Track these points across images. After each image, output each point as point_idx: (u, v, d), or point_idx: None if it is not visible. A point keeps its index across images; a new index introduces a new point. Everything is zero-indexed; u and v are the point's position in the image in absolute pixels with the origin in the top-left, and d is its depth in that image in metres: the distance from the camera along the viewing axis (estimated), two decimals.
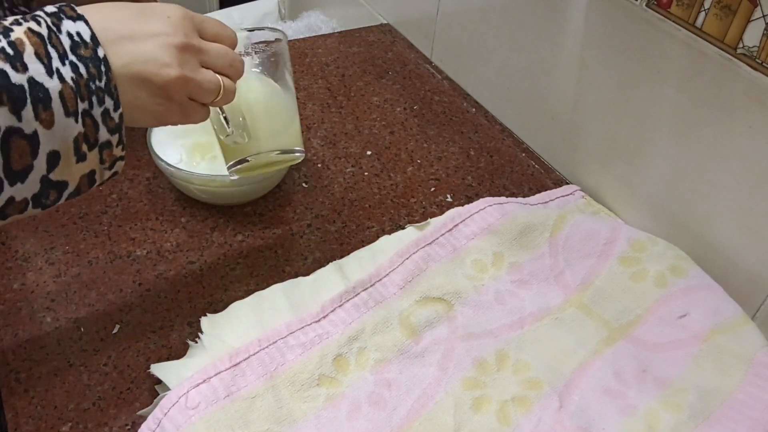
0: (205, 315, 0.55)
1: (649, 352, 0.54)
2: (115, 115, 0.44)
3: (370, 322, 0.54)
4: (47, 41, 0.41)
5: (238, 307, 0.56)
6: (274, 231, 0.66)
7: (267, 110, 0.57)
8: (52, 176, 0.42)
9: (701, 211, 0.62)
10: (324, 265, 0.60)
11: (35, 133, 0.40)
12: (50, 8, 0.42)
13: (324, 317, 0.54)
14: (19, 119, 0.39)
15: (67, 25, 0.42)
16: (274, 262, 0.63)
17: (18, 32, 0.40)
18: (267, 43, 0.56)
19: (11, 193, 0.41)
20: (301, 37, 1.03)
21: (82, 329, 0.55)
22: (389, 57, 0.96)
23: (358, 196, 0.71)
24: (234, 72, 0.50)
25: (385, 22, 1.06)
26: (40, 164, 0.41)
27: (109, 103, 0.43)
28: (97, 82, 0.42)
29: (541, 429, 0.49)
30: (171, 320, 0.57)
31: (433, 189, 0.73)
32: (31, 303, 0.57)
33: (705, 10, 0.55)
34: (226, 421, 0.47)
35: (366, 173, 0.75)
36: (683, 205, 0.63)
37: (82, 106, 0.42)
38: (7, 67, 0.38)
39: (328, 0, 1.21)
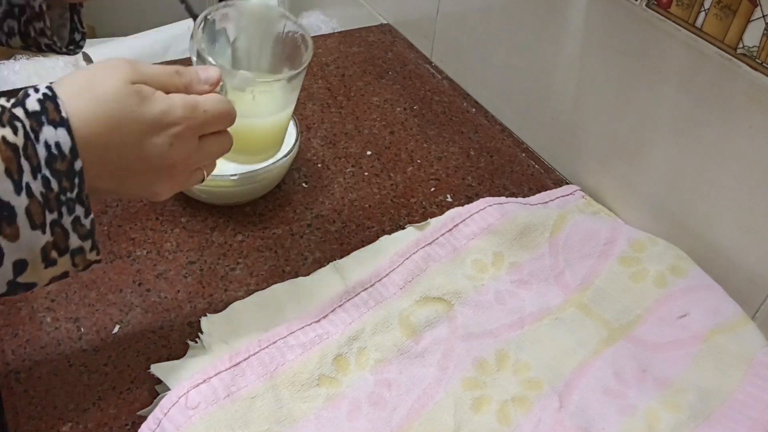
0: (205, 315, 0.55)
1: (649, 352, 0.54)
2: (86, 222, 0.42)
3: (370, 322, 0.54)
4: (21, 154, 0.38)
5: (238, 307, 0.56)
6: (274, 231, 0.66)
7: (251, 138, 0.55)
8: (20, 279, 0.41)
9: (701, 211, 0.62)
10: (324, 265, 0.60)
11: None
12: (34, 104, 0.39)
13: (324, 317, 0.54)
14: None
15: (47, 134, 0.39)
16: (274, 262, 0.63)
17: None
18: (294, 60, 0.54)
19: None
20: None
21: (82, 329, 0.55)
22: (389, 57, 0.96)
23: (358, 196, 0.71)
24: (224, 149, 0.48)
25: (385, 22, 1.06)
26: (5, 271, 0.39)
27: (80, 210, 0.41)
28: (68, 194, 0.40)
29: (541, 429, 0.49)
30: (171, 320, 0.57)
31: (433, 189, 0.73)
32: (31, 303, 0.57)
33: (705, 10, 0.55)
34: (226, 421, 0.47)
35: (366, 173, 0.75)
36: (683, 205, 0.63)
37: (50, 217, 0.40)
38: None
39: (328, 0, 1.21)
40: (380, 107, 0.86)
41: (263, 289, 0.58)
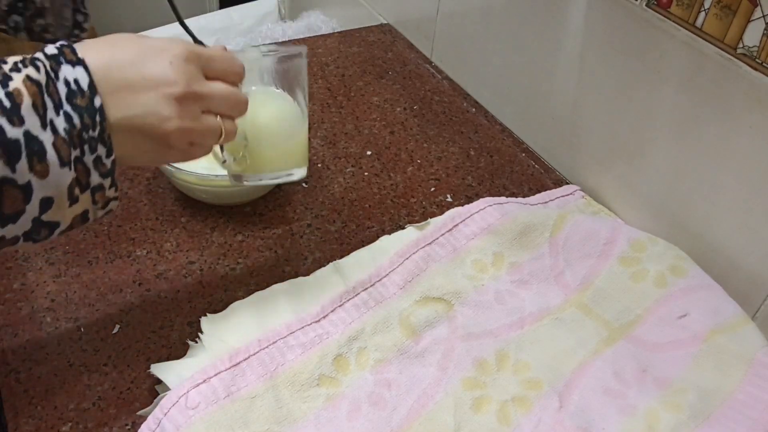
0: (205, 315, 0.55)
1: (649, 352, 0.54)
2: (108, 161, 0.43)
3: (370, 322, 0.54)
4: (44, 90, 0.40)
5: (238, 307, 0.56)
6: (274, 231, 0.66)
7: (273, 134, 0.55)
8: (44, 217, 0.42)
9: (701, 211, 0.62)
10: (324, 265, 0.60)
11: (29, 183, 0.40)
12: (51, 49, 0.42)
13: (324, 317, 0.54)
14: (13, 171, 0.39)
15: (66, 72, 0.41)
16: (274, 262, 0.63)
17: (17, 81, 0.40)
18: (286, 56, 0.54)
19: (2, 233, 0.41)
20: (301, 37, 1.03)
21: (82, 329, 0.55)
22: (389, 57, 0.96)
23: (358, 196, 0.71)
24: (238, 113, 0.49)
25: (385, 22, 1.06)
26: (32, 209, 0.41)
27: (101, 150, 0.43)
28: (90, 132, 0.42)
29: (541, 429, 0.49)
30: (171, 320, 0.57)
31: (433, 189, 0.73)
32: (31, 303, 0.57)
33: (705, 10, 0.55)
34: (226, 421, 0.47)
35: (366, 173, 0.75)
36: (683, 205, 0.63)
37: (74, 153, 0.41)
38: (4, 121, 0.38)
39: (328, 0, 1.21)
40: (380, 107, 0.86)
41: (263, 289, 0.58)
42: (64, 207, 0.42)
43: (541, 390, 0.51)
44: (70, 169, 0.41)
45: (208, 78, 0.47)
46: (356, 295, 0.56)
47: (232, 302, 0.56)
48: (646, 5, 0.60)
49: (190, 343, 0.54)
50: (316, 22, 1.15)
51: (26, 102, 0.39)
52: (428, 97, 0.89)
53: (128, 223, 0.65)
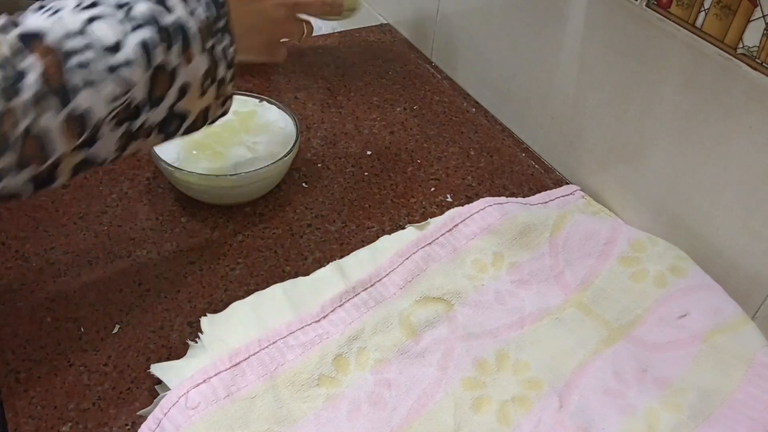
0: (205, 315, 0.55)
1: (649, 352, 0.54)
2: (231, 51, 0.49)
3: (370, 322, 0.54)
4: None
5: (238, 307, 0.56)
6: (274, 231, 0.66)
7: None
8: (177, 107, 0.47)
9: (701, 211, 0.62)
10: (324, 265, 0.60)
11: (176, 67, 0.45)
12: None
13: (324, 317, 0.54)
14: (169, 55, 0.44)
15: None
16: (274, 262, 0.63)
17: None
18: None
19: (145, 117, 0.45)
20: None
21: (82, 329, 0.55)
22: (389, 57, 0.96)
23: (358, 196, 0.71)
24: (324, 13, 0.69)
25: (385, 22, 1.06)
26: (172, 94, 0.46)
27: (227, 40, 0.48)
28: (220, 23, 0.47)
29: (541, 429, 0.49)
30: (171, 320, 0.57)
31: (433, 189, 0.73)
32: (31, 303, 0.57)
33: (705, 10, 0.55)
34: (226, 421, 0.47)
35: (366, 173, 0.75)
36: (683, 205, 0.63)
37: (209, 42, 0.47)
38: (158, 10, 0.43)
39: None
40: (380, 107, 0.86)
41: (263, 289, 0.58)
42: (195, 97, 0.47)
43: (541, 390, 0.51)
44: (206, 57, 0.47)
45: None
46: (356, 295, 0.56)
47: (232, 302, 0.56)
48: (646, 5, 0.60)
49: (190, 343, 0.54)
50: (316, 22, 1.15)
51: None
52: (428, 97, 0.89)
53: (128, 223, 0.65)
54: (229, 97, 0.52)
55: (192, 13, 0.45)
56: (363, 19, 1.09)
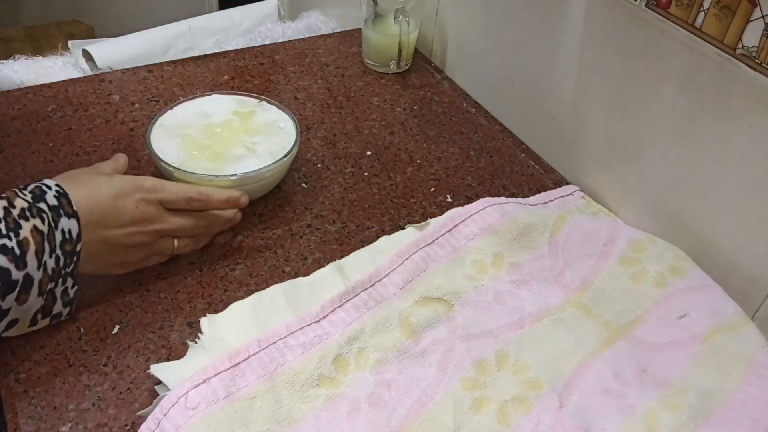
0: (205, 315, 0.55)
1: (648, 352, 0.54)
2: (71, 291, 0.53)
3: (369, 323, 0.54)
4: (45, 239, 0.48)
5: (238, 308, 0.56)
6: (274, 231, 0.66)
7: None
8: (5, 333, 0.49)
9: (701, 211, 0.62)
10: (324, 266, 0.60)
11: (8, 309, 0.47)
12: (52, 200, 0.50)
13: (324, 317, 0.54)
14: (2, 300, 0.46)
15: (63, 223, 0.50)
16: (274, 262, 0.63)
17: (25, 230, 0.47)
18: None
19: None
20: (301, 37, 1.03)
21: (82, 329, 0.55)
22: None
23: (358, 196, 0.71)
24: (194, 235, 0.60)
25: None
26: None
27: (69, 282, 0.52)
28: (67, 269, 0.51)
29: (541, 429, 0.49)
30: (171, 320, 0.57)
31: (433, 189, 0.73)
32: None
33: (704, 10, 0.55)
34: (225, 421, 0.47)
35: (366, 173, 0.75)
36: (683, 205, 0.63)
37: (49, 286, 0.50)
38: (12, 267, 0.46)
39: (327, 0, 1.21)
40: (380, 107, 0.86)
41: (263, 289, 0.58)
42: (23, 327, 0.51)
43: (541, 390, 0.51)
44: (43, 298, 0.50)
45: (170, 210, 0.57)
46: (356, 296, 0.56)
47: (232, 302, 0.56)
48: (646, 6, 0.60)
49: (189, 343, 0.54)
50: (316, 23, 1.15)
51: (31, 249, 0.47)
52: (428, 97, 0.89)
53: None
54: (62, 318, 0.54)
55: (41, 266, 0.48)
56: (363, 19, 1.09)
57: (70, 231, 0.50)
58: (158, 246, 0.58)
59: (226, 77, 0.88)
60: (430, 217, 0.65)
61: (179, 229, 0.58)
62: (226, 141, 0.68)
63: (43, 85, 0.82)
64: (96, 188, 0.53)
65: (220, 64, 0.91)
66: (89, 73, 0.96)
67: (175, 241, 0.59)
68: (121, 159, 0.61)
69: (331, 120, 0.82)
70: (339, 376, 0.51)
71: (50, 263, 0.49)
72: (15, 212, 0.48)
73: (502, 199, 0.65)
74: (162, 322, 0.57)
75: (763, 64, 0.52)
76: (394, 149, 0.79)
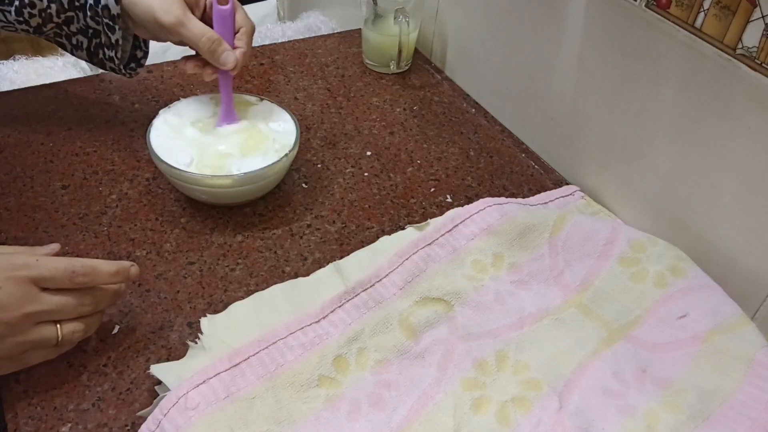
0: (205, 315, 0.55)
1: (648, 352, 0.54)
2: None
3: (369, 323, 0.54)
4: None
5: (237, 308, 0.56)
6: (273, 231, 0.66)
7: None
8: None
9: (701, 211, 0.62)
10: (324, 266, 0.60)
11: None
12: None
13: (324, 318, 0.54)
14: None
15: None
16: (273, 263, 0.63)
17: None
18: None
19: None
20: (301, 37, 1.03)
21: None
22: None
23: (358, 197, 0.71)
24: (80, 313, 0.50)
25: None
26: None
27: None
28: None
29: (541, 429, 0.49)
30: (171, 320, 0.57)
31: (432, 189, 0.73)
32: None
33: (704, 10, 0.55)
34: (225, 421, 0.47)
35: (366, 173, 0.75)
36: (683, 205, 0.63)
37: None
38: None
39: (327, 0, 1.21)
40: (380, 107, 0.86)
41: (263, 289, 0.58)
42: None
43: (541, 390, 0.51)
44: None
45: (47, 289, 0.47)
46: (356, 296, 0.56)
47: (232, 302, 0.56)
48: (646, 6, 0.60)
49: (189, 343, 0.54)
50: (316, 23, 1.15)
51: None
52: (428, 98, 0.89)
53: (128, 224, 0.65)
54: None
55: None
56: (362, 19, 1.09)
57: None
58: (36, 335, 0.47)
59: None
60: (430, 218, 0.65)
61: (59, 311, 0.48)
62: (227, 141, 0.68)
63: (43, 85, 0.82)
64: None
65: None
66: (89, 73, 0.96)
67: (59, 327, 0.48)
68: (55, 247, 0.52)
69: (331, 120, 0.83)
70: (339, 376, 0.51)
71: None
72: None
73: (502, 199, 0.65)
74: (162, 323, 0.57)
75: (763, 65, 0.52)
76: (394, 149, 0.79)
